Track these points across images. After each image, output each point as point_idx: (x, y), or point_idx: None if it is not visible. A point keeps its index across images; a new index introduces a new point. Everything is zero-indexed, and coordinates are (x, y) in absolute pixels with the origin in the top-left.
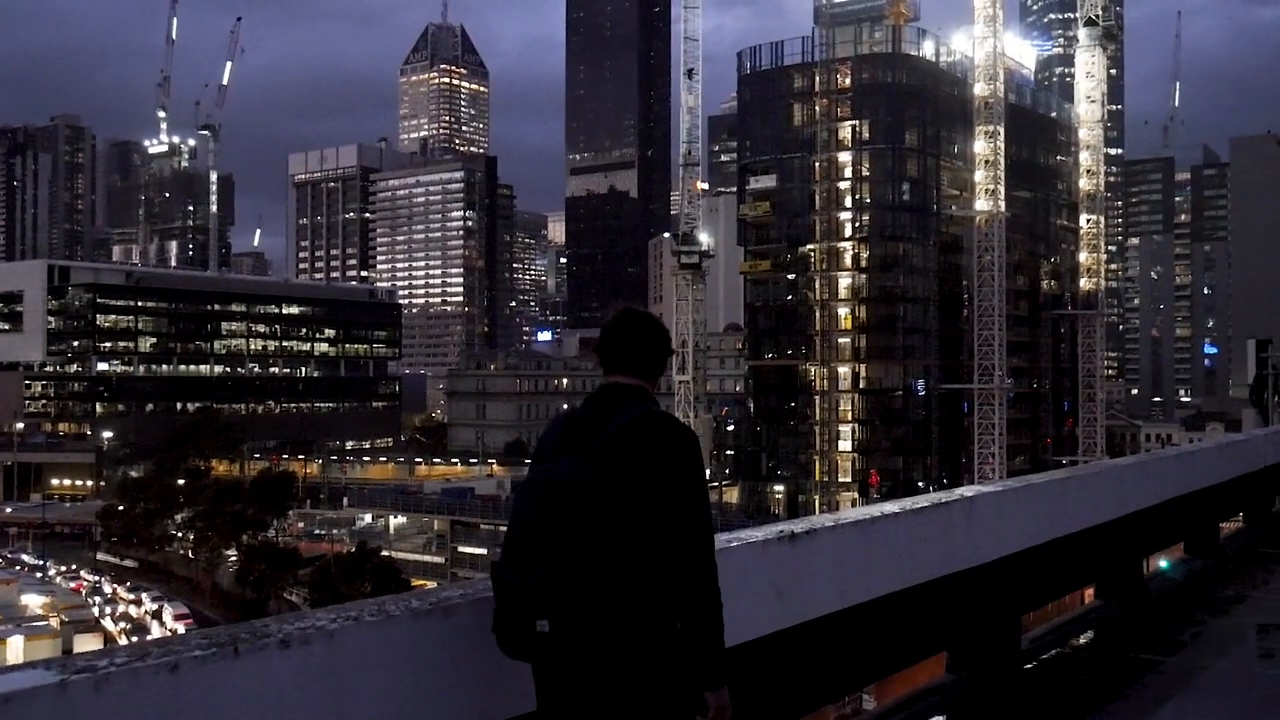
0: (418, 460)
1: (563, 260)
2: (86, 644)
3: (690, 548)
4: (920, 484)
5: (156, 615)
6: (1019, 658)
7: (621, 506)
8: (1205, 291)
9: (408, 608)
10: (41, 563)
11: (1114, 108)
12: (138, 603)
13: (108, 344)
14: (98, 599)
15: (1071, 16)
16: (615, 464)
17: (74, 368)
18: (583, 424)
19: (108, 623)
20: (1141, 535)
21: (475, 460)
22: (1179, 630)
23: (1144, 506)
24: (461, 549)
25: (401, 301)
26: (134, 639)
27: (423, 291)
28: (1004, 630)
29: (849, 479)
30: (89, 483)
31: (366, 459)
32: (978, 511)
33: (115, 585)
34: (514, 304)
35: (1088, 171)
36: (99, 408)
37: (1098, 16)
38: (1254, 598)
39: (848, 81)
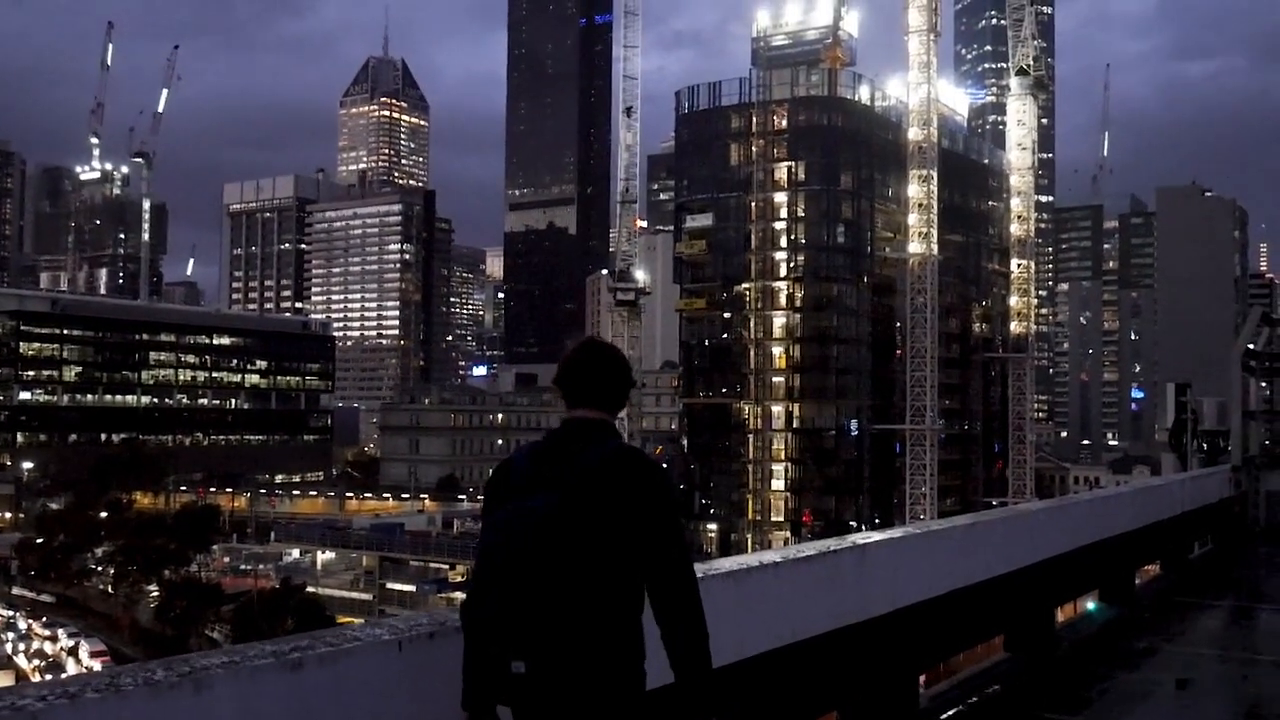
0: (348, 495)
1: (500, 295)
2: None
3: (677, 581)
4: (852, 523)
5: (72, 652)
6: (916, 718)
7: (601, 542)
8: (1132, 337)
9: (147, 679)
10: None
11: (1045, 156)
12: (53, 639)
13: (30, 372)
14: (11, 635)
15: (1004, 66)
16: (594, 500)
17: None
18: (552, 459)
19: (21, 660)
20: (1053, 584)
21: (407, 495)
22: (1087, 686)
23: (1056, 554)
24: (390, 585)
25: (336, 334)
26: (48, 677)
27: (358, 324)
28: (900, 688)
29: (781, 518)
30: (7, 514)
31: (296, 493)
32: (871, 561)
33: (30, 621)
34: (450, 338)
35: (1019, 217)
36: (19, 437)
37: (1029, 66)
38: (1167, 651)
39: (784, 123)
